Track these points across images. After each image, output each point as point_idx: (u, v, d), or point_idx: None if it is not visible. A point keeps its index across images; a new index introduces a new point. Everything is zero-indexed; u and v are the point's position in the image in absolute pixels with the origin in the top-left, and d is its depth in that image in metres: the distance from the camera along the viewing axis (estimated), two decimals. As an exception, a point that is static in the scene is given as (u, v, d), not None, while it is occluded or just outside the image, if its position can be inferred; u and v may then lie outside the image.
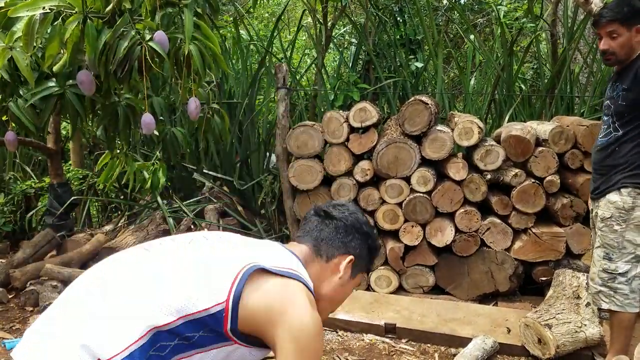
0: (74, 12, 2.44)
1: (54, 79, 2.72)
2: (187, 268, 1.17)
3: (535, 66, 5.47)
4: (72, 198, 4.22)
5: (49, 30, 2.42)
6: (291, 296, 1.16)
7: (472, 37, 4.62)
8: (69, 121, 4.18)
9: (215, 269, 1.17)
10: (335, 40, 5.17)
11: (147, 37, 2.50)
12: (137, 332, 1.08)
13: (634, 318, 2.53)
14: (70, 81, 2.71)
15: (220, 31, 5.41)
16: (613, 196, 2.43)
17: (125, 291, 1.14)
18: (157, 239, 1.34)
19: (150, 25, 2.54)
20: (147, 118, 2.52)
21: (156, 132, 3.98)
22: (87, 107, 2.83)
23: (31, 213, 4.78)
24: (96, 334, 1.08)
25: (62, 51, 2.56)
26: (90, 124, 3.84)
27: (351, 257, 1.38)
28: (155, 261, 1.21)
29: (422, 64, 4.46)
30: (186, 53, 2.54)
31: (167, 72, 2.80)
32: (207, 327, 1.13)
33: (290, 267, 1.23)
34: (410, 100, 3.56)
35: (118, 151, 3.90)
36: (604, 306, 2.52)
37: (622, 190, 2.40)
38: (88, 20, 2.44)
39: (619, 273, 2.45)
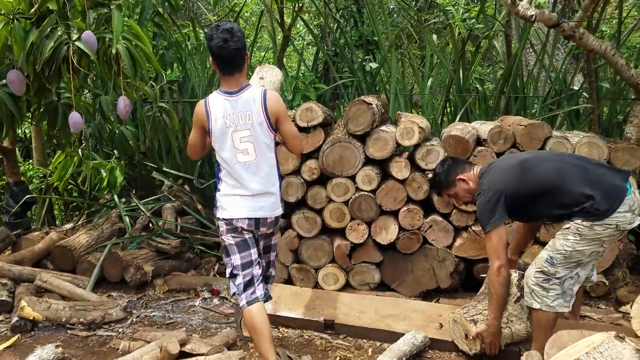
0: (0, 13, 2.48)
1: (-14, 79, 2.75)
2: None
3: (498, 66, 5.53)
4: (27, 196, 4.25)
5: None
6: (272, 93, 2.63)
7: (426, 38, 4.67)
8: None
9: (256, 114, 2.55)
10: (296, 40, 5.21)
11: (75, 37, 2.54)
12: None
13: (556, 318, 2.58)
14: (3, 81, 2.74)
15: (185, 31, 5.45)
16: None
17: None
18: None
19: (79, 26, 2.58)
20: (74, 117, 2.56)
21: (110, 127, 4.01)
22: (22, 106, 2.86)
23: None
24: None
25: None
26: (25, 124, 3.85)
27: (247, 50, 2.57)
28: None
29: (377, 65, 4.50)
30: (114, 52, 2.58)
31: (97, 71, 2.84)
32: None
33: (257, 89, 2.60)
34: (354, 100, 3.61)
35: (71, 150, 3.93)
36: (535, 306, 2.57)
37: None
38: (15, 21, 2.48)
39: (557, 277, 2.51)
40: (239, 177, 2.57)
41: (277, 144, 2.81)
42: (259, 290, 2.64)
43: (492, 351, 2.71)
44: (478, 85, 4.93)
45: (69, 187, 4.98)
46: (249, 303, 2.60)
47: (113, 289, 3.87)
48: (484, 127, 3.57)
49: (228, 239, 2.64)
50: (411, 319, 3.11)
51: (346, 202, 3.62)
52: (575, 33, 3.17)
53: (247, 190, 2.58)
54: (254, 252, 2.66)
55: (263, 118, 2.52)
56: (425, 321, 3.08)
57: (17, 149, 4.65)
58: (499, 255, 2.55)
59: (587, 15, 3.21)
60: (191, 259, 4.24)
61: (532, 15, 2.82)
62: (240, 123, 2.52)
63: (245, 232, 2.63)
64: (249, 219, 2.59)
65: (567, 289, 2.54)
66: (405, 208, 3.54)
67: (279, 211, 2.69)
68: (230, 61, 2.47)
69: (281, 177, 2.73)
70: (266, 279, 2.86)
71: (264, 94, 2.53)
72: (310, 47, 5.50)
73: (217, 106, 2.54)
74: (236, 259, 2.63)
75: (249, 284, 2.63)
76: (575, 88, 4.56)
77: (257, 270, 2.66)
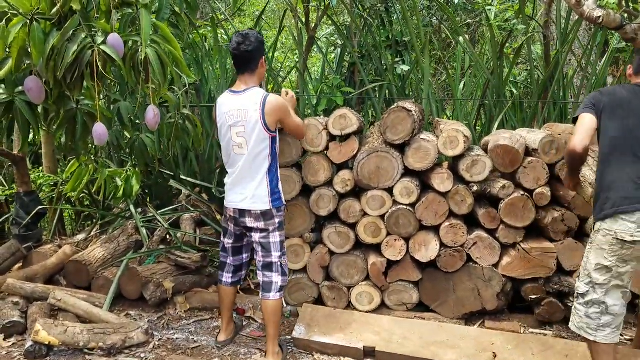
0: (18, 13, 2.23)
1: (2, 86, 2.51)
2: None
3: (528, 69, 5.28)
4: (39, 207, 4.00)
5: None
6: (273, 97, 2.79)
7: (461, 39, 4.41)
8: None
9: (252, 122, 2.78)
10: (319, 41, 4.95)
11: (100, 40, 2.29)
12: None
13: (595, 347, 2.34)
14: (20, 88, 2.49)
15: (201, 31, 5.21)
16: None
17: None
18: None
19: (104, 28, 2.33)
20: (99, 128, 2.31)
21: (128, 135, 3.77)
22: (39, 115, 2.61)
23: (2, 220, 4.57)
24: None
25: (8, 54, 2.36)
26: (41, 133, 3.60)
27: (262, 57, 2.84)
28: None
29: (409, 67, 4.24)
30: (143, 57, 2.33)
31: (123, 78, 2.59)
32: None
33: (261, 92, 2.81)
34: (393, 107, 3.35)
35: (86, 158, 3.69)
36: (570, 324, 2.48)
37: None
38: (35, 22, 2.23)
39: (579, 293, 2.38)
40: (231, 167, 2.91)
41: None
42: (226, 277, 3.11)
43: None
44: (514, 89, 4.67)
45: (81, 195, 4.73)
46: (219, 281, 3.15)
47: (131, 307, 3.63)
48: (532, 136, 3.31)
49: (224, 220, 3.11)
50: (460, 347, 2.86)
51: (382, 216, 3.37)
52: (637, 35, 2.92)
53: (235, 179, 2.87)
54: (228, 242, 3.08)
55: (259, 117, 2.74)
56: (477, 350, 2.83)
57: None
58: (574, 137, 2.41)
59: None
60: (212, 273, 3.99)
61: (599, 16, 2.57)
62: (237, 120, 2.79)
63: (231, 222, 3.00)
64: (235, 209, 2.90)
65: (592, 315, 2.33)
66: (447, 223, 3.29)
67: (263, 206, 2.85)
68: (241, 61, 2.78)
69: (274, 175, 2.91)
70: (266, 285, 2.92)
71: (265, 96, 2.77)
72: (332, 48, 5.24)
73: (222, 102, 2.87)
74: (222, 237, 3.14)
75: (221, 266, 3.14)
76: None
77: (230, 260, 3.10)
